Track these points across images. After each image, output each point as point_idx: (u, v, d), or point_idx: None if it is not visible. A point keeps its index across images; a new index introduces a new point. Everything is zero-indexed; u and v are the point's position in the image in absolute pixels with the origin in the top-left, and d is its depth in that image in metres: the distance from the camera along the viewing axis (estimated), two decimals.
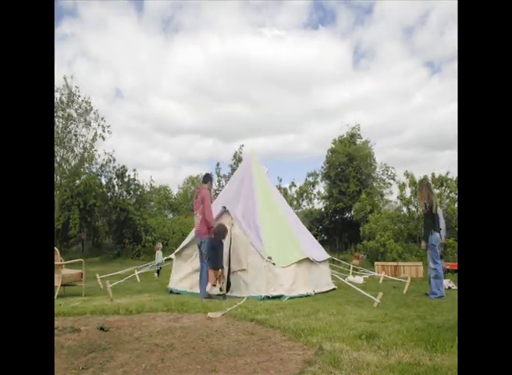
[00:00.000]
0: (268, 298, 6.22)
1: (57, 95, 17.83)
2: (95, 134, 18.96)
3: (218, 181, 23.67)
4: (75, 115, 18.35)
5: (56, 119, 17.52)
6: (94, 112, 19.00)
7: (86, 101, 18.67)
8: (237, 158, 23.01)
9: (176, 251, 7.72)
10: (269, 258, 6.34)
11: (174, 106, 56.45)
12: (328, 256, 8.27)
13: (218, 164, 24.32)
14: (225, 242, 6.77)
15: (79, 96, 18.44)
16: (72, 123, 18.20)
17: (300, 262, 6.82)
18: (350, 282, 7.65)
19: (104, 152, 21.02)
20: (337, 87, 52.77)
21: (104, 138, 19.34)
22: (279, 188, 23.43)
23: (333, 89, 52.45)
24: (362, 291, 6.14)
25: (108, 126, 19.53)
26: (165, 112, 54.01)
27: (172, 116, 55.13)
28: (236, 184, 7.95)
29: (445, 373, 2.56)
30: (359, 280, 9.35)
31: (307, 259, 6.97)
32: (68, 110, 18.01)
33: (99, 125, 19.15)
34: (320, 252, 7.99)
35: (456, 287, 8.08)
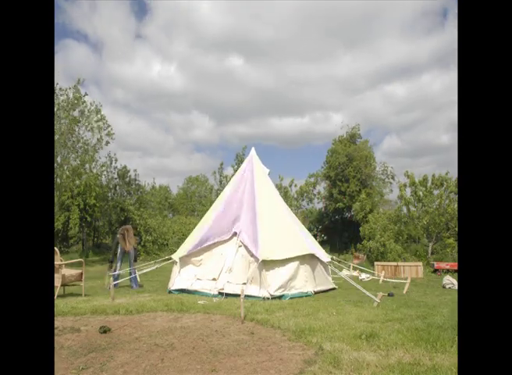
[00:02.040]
0: (268, 298, 6.22)
1: (63, 96, 17.82)
2: (100, 139, 18.91)
3: (220, 181, 23.67)
4: (81, 118, 18.29)
5: (61, 121, 17.49)
6: (102, 119, 18.96)
7: (95, 106, 18.64)
8: (239, 160, 22.99)
9: (183, 254, 7.52)
10: (265, 258, 6.37)
11: (159, 65, 47.78)
12: (328, 259, 8.29)
13: (221, 164, 24.37)
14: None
15: (84, 102, 18.39)
16: (75, 126, 18.14)
17: (301, 259, 6.84)
18: (360, 279, 7.63)
19: (108, 156, 20.91)
20: (420, 35, 42.85)
21: (108, 143, 19.29)
22: (280, 187, 23.41)
23: (414, 36, 42.20)
24: (363, 290, 6.14)
25: (113, 134, 19.49)
26: (150, 73, 45.17)
27: (160, 79, 46.13)
28: (236, 185, 7.96)
29: (445, 373, 2.56)
30: (365, 276, 9.42)
31: (310, 257, 6.98)
32: (72, 112, 17.96)
33: (104, 130, 19.08)
34: (322, 253, 8.02)
35: (455, 287, 8.08)
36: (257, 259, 6.41)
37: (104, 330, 3.91)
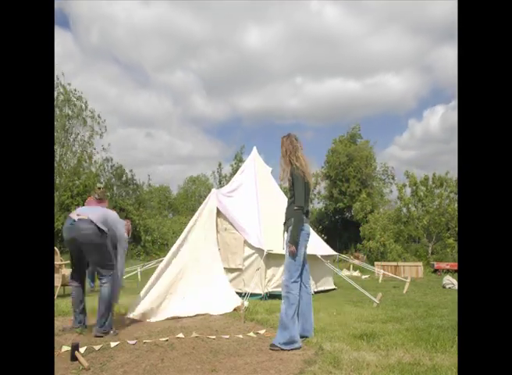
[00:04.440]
0: (267, 296, 6.23)
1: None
2: (92, 131, 18.76)
3: (220, 181, 23.66)
4: (71, 113, 18.20)
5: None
6: (90, 110, 18.83)
7: (79, 99, 18.48)
8: (238, 159, 22.97)
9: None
10: (270, 250, 6.35)
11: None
12: (333, 252, 8.30)
13: (220, 164, 24.33)
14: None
15: (73, 92, 18.24)
16: (69, 122, 18.06)
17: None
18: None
19: (102, 147, 20.48)
20: None
21: (101, 136, 19.12)
22: (280, 188, 23.37)
23: None
24: (363, 290, 6.14)
25: (104, 120, 19.20)
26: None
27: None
28: (238, 184, 7.95)
29: (445, 373, 2.56)
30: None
31: (311, 256, 6.97)
32: (65, 109, 17.88)
33: (95, 121, 18.89)
34: (325, 248, 8.06)
35: (455, 287, 8.08)
36: (260, 251, 6.38)
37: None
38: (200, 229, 7.12)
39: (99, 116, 19.05)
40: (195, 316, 4.81)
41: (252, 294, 6.14)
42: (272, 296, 6.26)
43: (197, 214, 7.04)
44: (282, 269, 6.65)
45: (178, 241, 6.82)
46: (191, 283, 5.34)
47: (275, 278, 6.48)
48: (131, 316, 4.54)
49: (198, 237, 6.68)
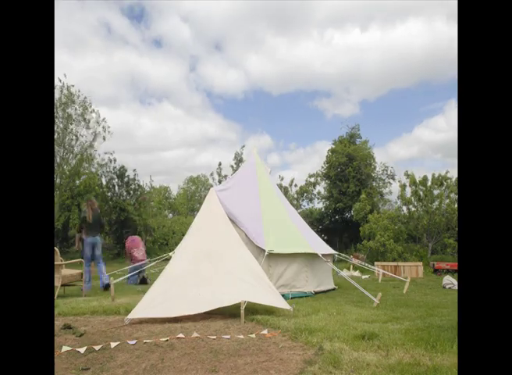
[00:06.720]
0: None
1: (55, 94, 17.81)
2: (95, 134, 18.92)
3: (220, 181, 23.64)
4: (74, 115, 18.32)
5: (56, 119, 17.51)
6: (95, 112, 18.96)
7: (84, 101, 18.60)
8: (238, 159, 22.95)
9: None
10: (270, 250, 6.36)
11: None
12: (333, 251, 8.31)
13: (220, 164, 24.30)
14: None
15: (78, 95, 18.37)
16: (72, 123, 18.17)
17: (304, 257, 6.85)
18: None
19: (104, 152, 20.97)
20: None
21: (104, 138, 19.27)
22: (280, 187, 23.38)
23: None
24: (363, 290, 6.14)
25: (109, 127, 19.45)
26: None
27: None
28: (237, 184, 7.95)
29: (445, 373, 2.56)
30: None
31: (312, 255, 6.98)
32: (68, 110, 17.98)
33: (99, 125, 19.07)
34: (325, 247, 8.07)
35: (455, 287, 8.08)
36: (262, 251, 6.38)
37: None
38: (207, 222, 6.86)
39: (104, 120, 19.13)
40: (195, 316, 4.80)
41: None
42: None
43: (200, 211, 6.93)
44: (281, 270, 6.67)
45: (187, 238, 6.55)
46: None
47: (275, 280, 6.47)
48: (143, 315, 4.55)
49: (209, 229, 6.43)
